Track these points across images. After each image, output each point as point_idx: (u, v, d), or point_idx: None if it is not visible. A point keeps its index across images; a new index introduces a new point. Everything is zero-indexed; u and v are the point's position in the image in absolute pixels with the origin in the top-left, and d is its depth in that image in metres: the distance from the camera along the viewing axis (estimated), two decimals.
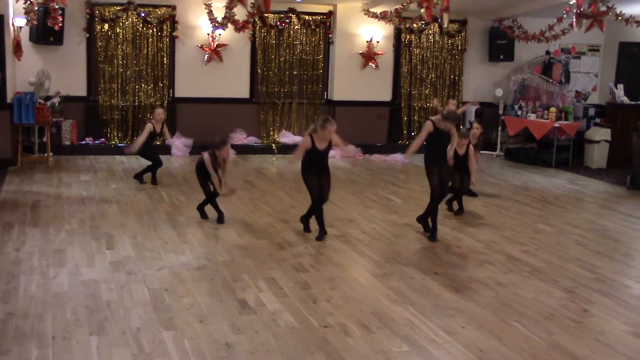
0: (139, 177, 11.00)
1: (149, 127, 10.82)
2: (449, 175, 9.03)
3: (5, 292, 5.97)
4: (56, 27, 11.46)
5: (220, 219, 8.68)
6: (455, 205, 9.77)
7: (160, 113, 11.07)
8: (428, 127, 8.13)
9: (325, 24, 15.11)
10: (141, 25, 13.99)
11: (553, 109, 14.41)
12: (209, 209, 8.82)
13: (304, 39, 15.05)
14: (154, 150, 11.14)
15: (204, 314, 5.64)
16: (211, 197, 8.74)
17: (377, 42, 15.10)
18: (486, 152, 15.47)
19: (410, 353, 5.07)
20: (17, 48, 12.46)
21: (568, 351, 5.19)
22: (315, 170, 8.05)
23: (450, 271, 7.06)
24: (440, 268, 7.14)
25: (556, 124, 14.13)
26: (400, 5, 12.79)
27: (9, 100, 12.04)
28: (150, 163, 10.96)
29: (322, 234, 8.09)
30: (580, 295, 6.47)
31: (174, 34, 14.18)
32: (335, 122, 7.98)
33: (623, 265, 7.61)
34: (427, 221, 8.41)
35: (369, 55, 15.14)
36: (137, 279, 6.42)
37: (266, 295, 6.13)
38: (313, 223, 8.29)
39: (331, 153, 8.47)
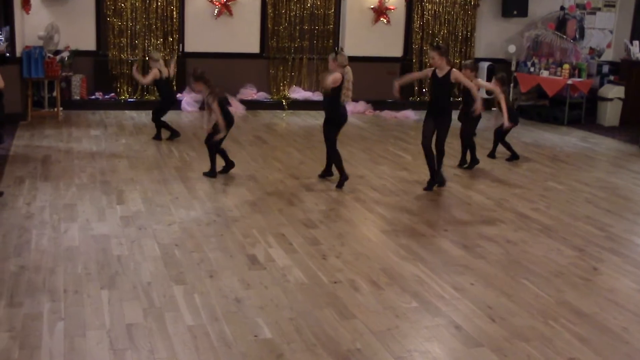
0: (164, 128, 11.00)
1: (156, 73, 10.78)
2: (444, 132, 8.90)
3: (18, 246, 6.02)
4: None
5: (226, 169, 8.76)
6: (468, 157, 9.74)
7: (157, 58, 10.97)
8: (426, 71, 8.17)
9: None
10: None
11: (566, 66, 14.23)
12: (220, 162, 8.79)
13: None
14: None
15: (213, 269, 5.67)
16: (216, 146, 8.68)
17: None
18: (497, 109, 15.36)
19: (419, 309, 5.10)
20: (26, 1, 12.35)
21: (577, 308, 5.21)
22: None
23: (460, 228, 7.06)
24: (450, 225, 7.15)
25: (569, 81, 13.96)
26: None
27: (18, 54, 11.99)
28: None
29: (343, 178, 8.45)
30: (590, 253, 6.47)
31: None
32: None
33: (633, 224, 7.59)
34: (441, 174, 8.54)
35: (380, 10, 14.94)
36: (147, 234, 6.46)
37: (276, 251, 6.15)
38: (334, 174, 8.56)
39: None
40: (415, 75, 8.21)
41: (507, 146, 10.39)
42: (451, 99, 8.46)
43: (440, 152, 8.40)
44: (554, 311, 5.14)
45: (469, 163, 9.74)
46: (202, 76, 8.48)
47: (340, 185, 8.37)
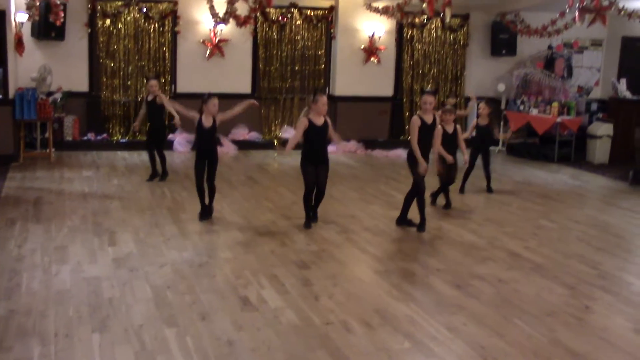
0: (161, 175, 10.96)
1: (145, 101, 10.77)
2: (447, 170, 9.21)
3: (8, 289, 5.99)
4: (58, 23, 11.46)
5: (204, 215, 8.61)
6: (442, 199, 9.74)
7: (153, 85, 10.71)
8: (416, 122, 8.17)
9: (327, 19, 15.09)
10: (143, 20, 13.98)
11: (555, 104, 14.39)
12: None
13: (306, 34, 15.04)
14: (152, 135, 10.83)
15: (206, 311, 5.65)
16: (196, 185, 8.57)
17: (379, 37, 15.08)
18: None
19: (412, 350, 5.08)
20: (19, 43, 12.46)
21: (570, 348, 5.19)
22: (315, 158, 8.21)
23: (452, 267, 7.06)
24: (442, 264, 7.15)
25: (558, 119, 14.11)
26: (402, 0, 12.76)
27: (11, 96, 12.05)
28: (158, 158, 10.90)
29: (310, 222, 8.41)
30: (582, 291, 6.47)
31: (176, 29, 14.17)
32: (325, 95, 8.25)
33: (625, 262, 7.60)
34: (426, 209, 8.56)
35: (370, 50, 15.11)
36: (139, 276, 6.43)
37: (268, 292, 6.14)
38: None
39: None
40: (414, 133, 8.18)
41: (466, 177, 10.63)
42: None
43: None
44: (547, 351, 5.13)
45: (445, 203, 9.71)
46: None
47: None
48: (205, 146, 8.49)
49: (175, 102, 10.07)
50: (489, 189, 10.77)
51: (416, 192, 8.32)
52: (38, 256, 6.93)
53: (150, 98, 10.65)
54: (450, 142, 9.22)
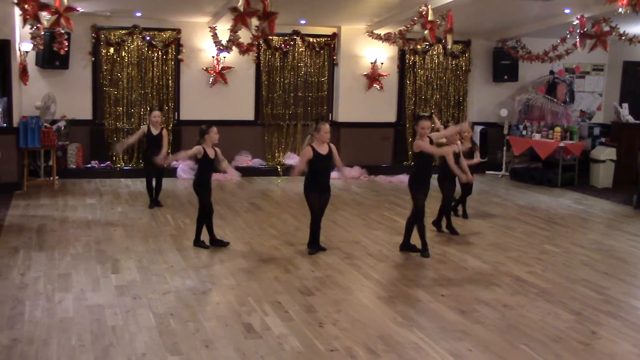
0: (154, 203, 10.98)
1: (142, 129, 10.73)
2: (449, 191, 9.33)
3: (11, 318, 5.96)
4: (62, 52, 11.53)
5: (212, 243, 8.61)
6: (444, 223, 9.75)
7: (157, 115, 10.77)
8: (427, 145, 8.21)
9: (329, 46, 15.19)
10: (146, 48, 14.08)
11: (558, 129, 14.41)
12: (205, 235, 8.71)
13: (309, 61, 15.12)
14: (152, 163, 10.39)
15: (209, 338, 5.61)
16: (208, 214, 8.60)
17: (382, 63, 15.15)
18: (491, 172, 15.50)
19: None
20: (23, 72, 12.54)
21: None
22: (318, 185, 8.20)
23: (457, 293, 7.02)
24: (447, 290, 7.11)
25: (561, 144, 14.12)
26: (404, 27, 12.85)
27: (15, 124, 12.10)
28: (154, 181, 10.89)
29: (315, 248, 8.38)
30: (588, 317, 6.42)
31: (179, 57, 14.27)
32: (327, 123, 8.30)
33: (631, 286, 7.55)
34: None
35: (373, 77, 15.18)
36: (142, 304, 6.41)
37: (272, 319, 6.10)
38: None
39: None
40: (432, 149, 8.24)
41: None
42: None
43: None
44: None
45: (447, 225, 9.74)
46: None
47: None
48: (209, 176, 8.58)
49: (179, 153, 9.88)
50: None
51: (416, 218, 8.32)
52: (41, 284, 6.91)
53: (156, 133, 10.68)
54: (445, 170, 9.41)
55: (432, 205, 9.86)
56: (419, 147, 8.11)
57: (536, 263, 8.27)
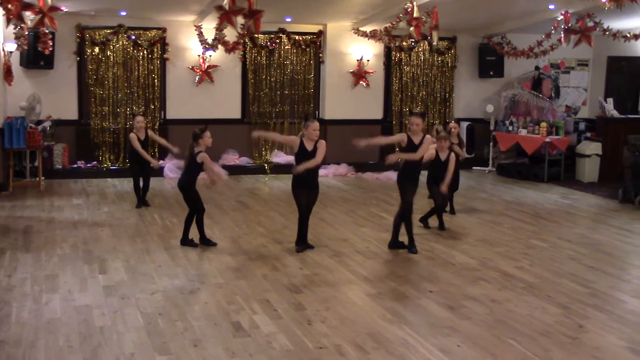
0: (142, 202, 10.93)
1: (133, 137, 10.68)
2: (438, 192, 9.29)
3: None
4: (46, 52, 11.46)
5: (202, 242, 8.59)
6: (435, 221, 9.75)
7: (140, 121, 10.78)
8: (401, 137, 8.28)
9: (315, 44, 15.18)
10: (132, 47, 14.02)
11: (544, 124, 14.48)
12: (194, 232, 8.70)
13: (295, 58, 15.11)
14: (142, 165, 10.73)
15: (198, 337, 5.60)
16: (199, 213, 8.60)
17: (368, 60, 15.16)
18: (478, 167, 15.56)
19: None
20: (8, 73, 12.45)
21: None
22: (305, 183, 8.19)
23: (445, 289, 7.04)
24: (435, 286, 7.13)
25: (547, 139, 14.19)
26: (390, 24, 12.85)
27: None
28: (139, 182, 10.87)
29: (303, 246, 8.38)
30: (575, 310, 6.46)
31: (165, 56, 14.22)
32: (316, 121, 8.34)
33: (617, 280, 7.60)
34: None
35: (359, 74, 15.19)
36: (130, 304, 6.39)
37: (260, 318, 6.10)
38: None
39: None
40: (391, 139, 8.31)
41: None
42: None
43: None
44: None
45: (438, 224, 9.75)
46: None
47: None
48: (196, 178, 8.58)
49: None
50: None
51: (404, 214, 8.35)
52: (28, 285, 6.88)
53: (142, 137, 10.68)
54: (442, 169, 9.30)
55: (420, 202, 9.88)
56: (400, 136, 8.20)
57: (523, 258, 8.30)
